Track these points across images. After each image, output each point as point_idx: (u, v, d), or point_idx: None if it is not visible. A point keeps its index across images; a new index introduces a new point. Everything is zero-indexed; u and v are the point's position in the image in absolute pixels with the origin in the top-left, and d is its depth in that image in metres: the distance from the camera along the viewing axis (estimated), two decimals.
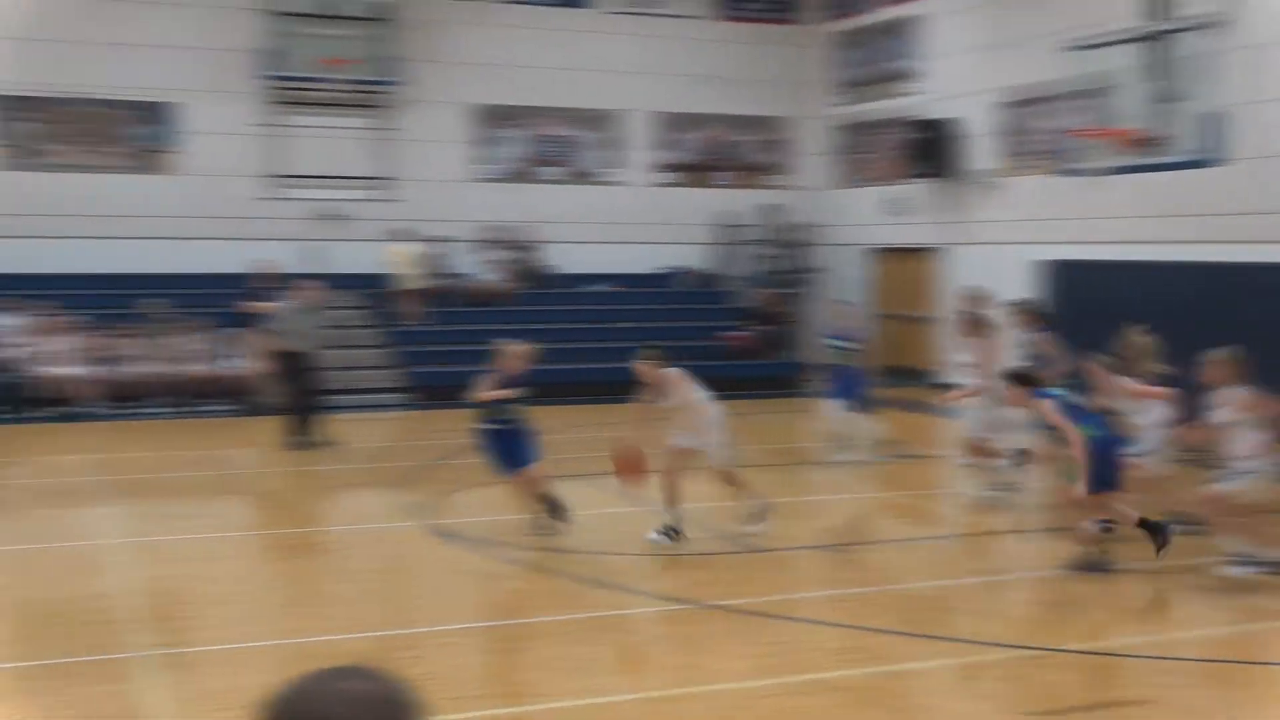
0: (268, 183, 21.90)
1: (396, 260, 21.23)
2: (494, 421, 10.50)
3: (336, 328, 20.54)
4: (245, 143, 21.69)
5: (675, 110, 24.28)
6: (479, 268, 22.48)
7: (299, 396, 15.90)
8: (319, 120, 22.14)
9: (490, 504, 12.90)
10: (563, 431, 16.61)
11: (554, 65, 23.35)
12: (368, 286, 21.34)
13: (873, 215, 23.48)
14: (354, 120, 22.40)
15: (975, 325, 13.10)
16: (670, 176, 24.48)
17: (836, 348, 15.19)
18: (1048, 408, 9.66)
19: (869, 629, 8.06)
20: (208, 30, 21.43)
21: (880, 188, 23.29)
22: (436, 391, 19.27)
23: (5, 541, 11.18)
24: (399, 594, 9.39)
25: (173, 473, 14.79)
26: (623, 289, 23.27)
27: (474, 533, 10.82)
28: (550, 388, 19.36)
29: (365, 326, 21.04)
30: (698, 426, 10.41)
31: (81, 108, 21.03)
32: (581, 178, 23.96)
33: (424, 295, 21.26)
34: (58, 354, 18.56)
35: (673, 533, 10.27)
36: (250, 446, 16.84)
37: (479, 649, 8.06)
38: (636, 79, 23.86)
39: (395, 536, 11.13)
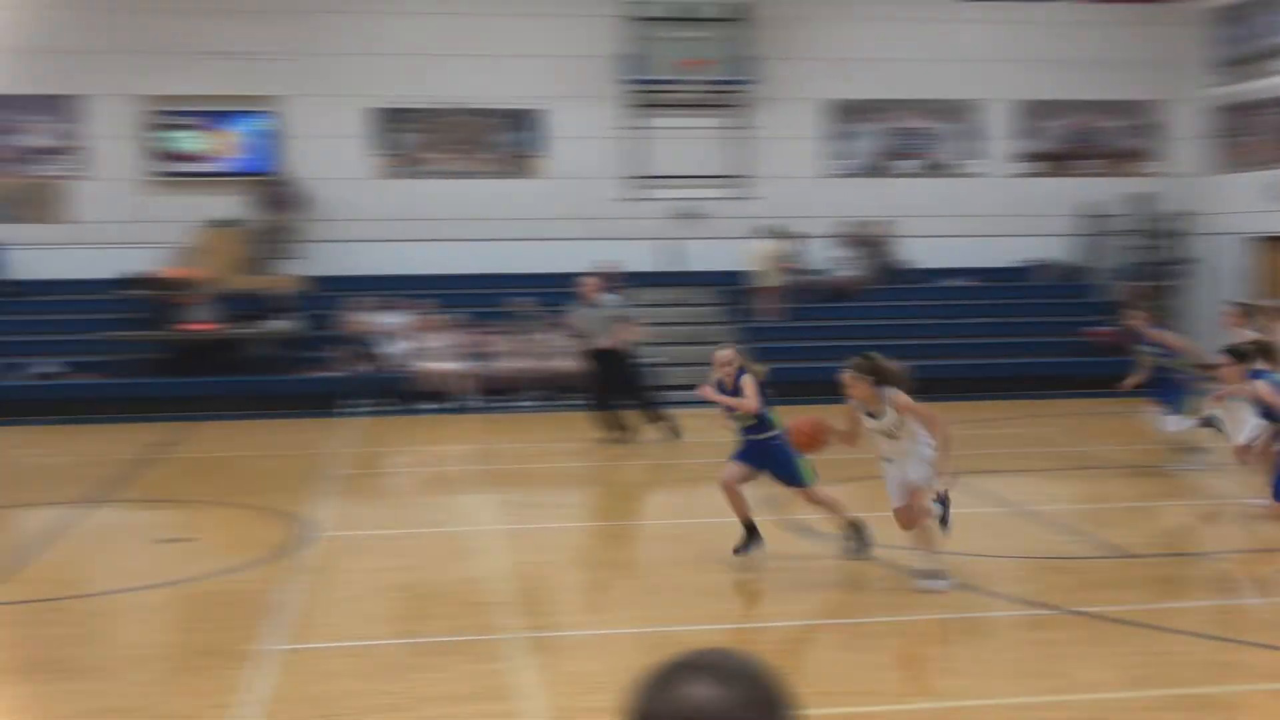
0: (627, 183, 22.58)
1: (758, 257, 21.43)
2: (749, 433, 9.69)
3: (689, 324, 20.99)
4: (606, 145, 22.44)
5: (1036, 98, 23.50)
6: (834, 263, 22.43)
7: (612, 392, 16.21)
8: (677, 121, 22.64)
9: (846, 500, 12.87)
10: None
11: (909, 57, 23.02)
12: (723, 284, 21.68)
13: (1255, 202, 22.01)
14: (710, 120, 22.78)
15: (1244, 316, 12.29)
16: (1031, 166, 23.71)
17: (1154, 353, 14.24)
18: (1263, 387, 9.06)
19: (1241, 642, 7.58)
20: (571, 39, 22.27)
21: (1264, 172, 21.80)
22: (789, 387, 19.32)
23: (390, 526, 11.99)
24: (752, 587, 9.48)
25: (540, 464, 15.48)
26: (980, 283, 22.73)
27: (828, 528, 10.81)
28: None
29: (720, 323, 21.36)
30: (912, 454, 8.68)
31: (455, 117, 22.29)
32: (939, 170, 23.53)
33: (782, 292, 21.39)
34: (436, 350, 19.74)
35: (940, 577, 8.77)
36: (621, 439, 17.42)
37: (833, 645, 8.04)
38: (995, 67, 23.21)
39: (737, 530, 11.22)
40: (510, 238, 21.80)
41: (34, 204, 21.52)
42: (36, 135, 21.57)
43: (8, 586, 9.41)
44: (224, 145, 21.79)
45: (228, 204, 21.23)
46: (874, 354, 8.86)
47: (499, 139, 22.52)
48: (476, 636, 7.88)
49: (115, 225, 21.13)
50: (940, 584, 8.70)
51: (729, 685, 1.85)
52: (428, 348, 19.73)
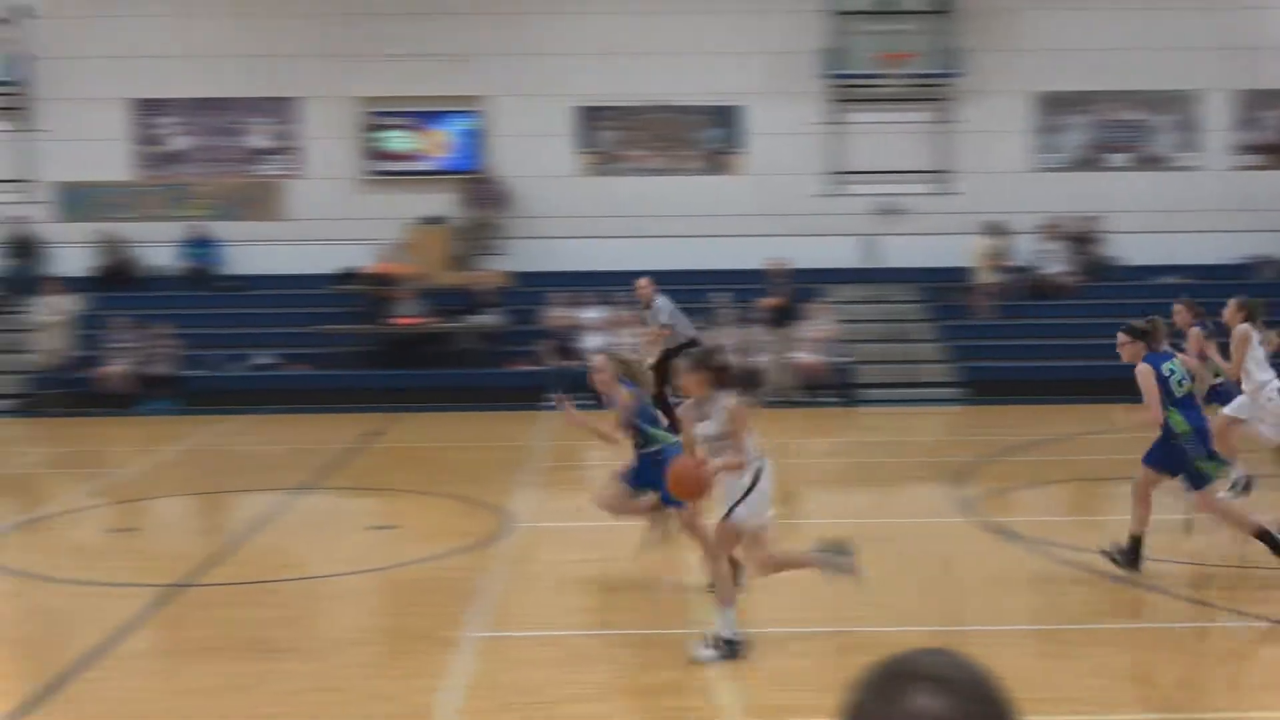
0: (827, 179, 22.40)
1: (975, 253, 21.01)
2: (639, 448, 9.15)
3: (889, 322, 20.76)
4: (806, 141, 22.30)
5: (1256, 87, 22.47)
6: (1042, 260, 21.85)
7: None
8: (878, 116, 22.37)
9: (1046, 504, 12.58)
10: (1127, 431, 15.85)
11: (1121, 46, 22.24)
12: (924, 280, 21.36)
13: None
14: (912, 114, 22.45)
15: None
16: (1253, 159, 22.69)
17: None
18: (1142, 369, 8.73)
19: None
20: (771, 34, 22.20)
21: None
22: (991, 386, 18.99)
23: (587, 518, 12.12)
24: (951, 590, 9.32)
25: None
26: (1197, 280, 21.84)
27: (1029, 532, 10.56)
28: (1111, 384, 18.55)
29: (921, 320, 21.06)
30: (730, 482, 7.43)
31: (655, 114, 22.45)
32: (1152, 163, 22.71)
33: (994, 289, 20.93)
34: (633, 345, 19.90)
35: (728, 645, 7.28)
36: (816, 436, 17.36)
37: (1037, 653, 7.84)
38: (1212, 55, 22.25)
39: (947, 531, 11.05)
40: (709, 234, 21.85)
41: (254, 202, 22.49)
42: (257, 136, 22.54)
43: (226, 568, 9.86)
44: (432, 144, 22.41)
45: (435, 202, 21.82)
46: (716, 349, 8.05)
47: (699, 136, 22.60)
48: (670, 630, 7.93)
49: (329, 222, 21.92)
50: (719, 655, 7.23)
51: (956, 697, 1.78)
52: (625, 343, 19.91)
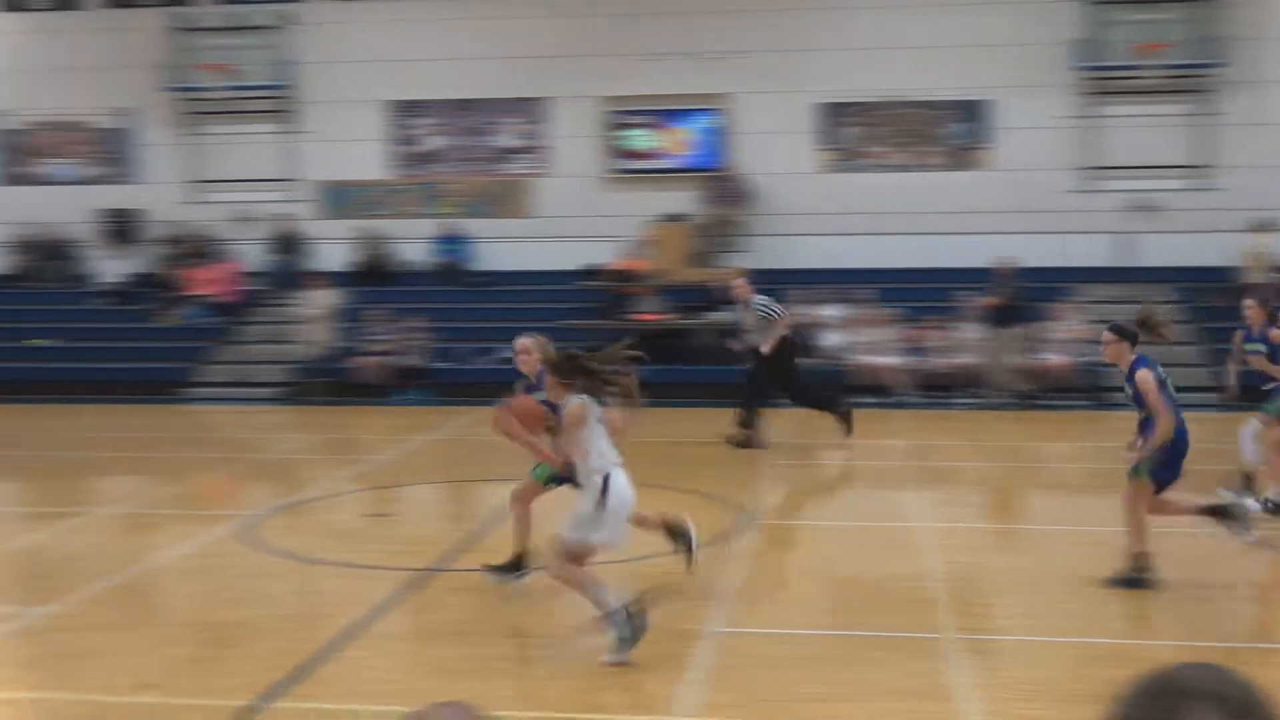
0: (1079, 175, 21.71)
1: (1244, 253, 20.04)
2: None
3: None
4: (1056, 135, 21.66)
5: None
6: None
7: (765, 392, 15.56)
8: (1132, 109, 21.58)
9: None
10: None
11: None
12: (1183, 279, 20.48)
13: None
14: (1170, 107, 21.56)
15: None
16: None
17: (1259, 353, 12.21)
18: (1141, 375, 8.23)
19: None
20: (1019, 26, 21.65)
21: None
22: (1253, 393, 18.06)
23: (824, 517, 12.09)
24: (1207, 603, 8.93)
25: (977, 462, 15.17)
26: None
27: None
28: None
29: (1179, 321, 20.19)
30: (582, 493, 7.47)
31: (899, 110, 22.15)
32: None
33: (1264, 290, 19.89)
34: (875, 343, 19.72)
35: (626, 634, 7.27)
36: (1060, 440, 16.87)
37: None
38: None
39: (1202, 543, 10.58)
40: (953, 231, 21.45)
41: (503, 200, 23.14)
42: (506, 136, 23.18)
43: (474, 554, 10.18)
44: (675, 143, 22.64)
45: (677, 199, 22.03)
46: (575, 354, 7.50)
47: (943, 131, 22.20)
48: (911, 634, 7.84)
49: (574, 220, 22.38)
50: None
51: (1236, 717, 1.72)
52: (866, 341, 19.74)
